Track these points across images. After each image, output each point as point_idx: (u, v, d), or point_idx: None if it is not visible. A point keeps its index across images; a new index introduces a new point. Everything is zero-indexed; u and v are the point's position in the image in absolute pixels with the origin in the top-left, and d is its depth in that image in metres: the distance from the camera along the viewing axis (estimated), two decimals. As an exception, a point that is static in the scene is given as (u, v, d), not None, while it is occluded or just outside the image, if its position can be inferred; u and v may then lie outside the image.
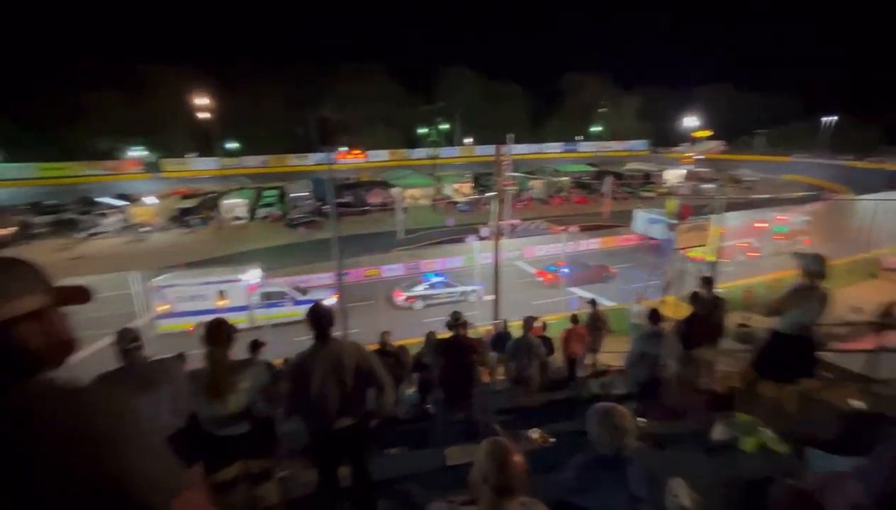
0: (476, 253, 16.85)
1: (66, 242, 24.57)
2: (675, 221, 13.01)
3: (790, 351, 3.88)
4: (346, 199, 31.69)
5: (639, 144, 59.64)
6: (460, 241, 23.20)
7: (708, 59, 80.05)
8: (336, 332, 2.84)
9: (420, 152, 51.68)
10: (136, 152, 44.70)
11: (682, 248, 13.54)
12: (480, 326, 12.20)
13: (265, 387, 2.66)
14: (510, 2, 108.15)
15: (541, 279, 19.30)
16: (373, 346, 6.52)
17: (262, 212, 30.76)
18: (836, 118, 47.98)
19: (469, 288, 17.39)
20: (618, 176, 38.11)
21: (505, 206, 18.86)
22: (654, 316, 4.91)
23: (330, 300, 15.95)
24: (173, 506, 0.94)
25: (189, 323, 14.67)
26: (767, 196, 28.51)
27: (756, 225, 20.39)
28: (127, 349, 2.65)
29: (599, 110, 54.98)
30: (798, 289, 3.69)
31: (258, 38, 74.96)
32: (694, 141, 47.02)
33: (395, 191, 31.70)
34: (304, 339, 2.87)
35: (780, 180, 41.04)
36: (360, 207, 31.70)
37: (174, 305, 15.00)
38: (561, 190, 37.10)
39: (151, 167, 44.15)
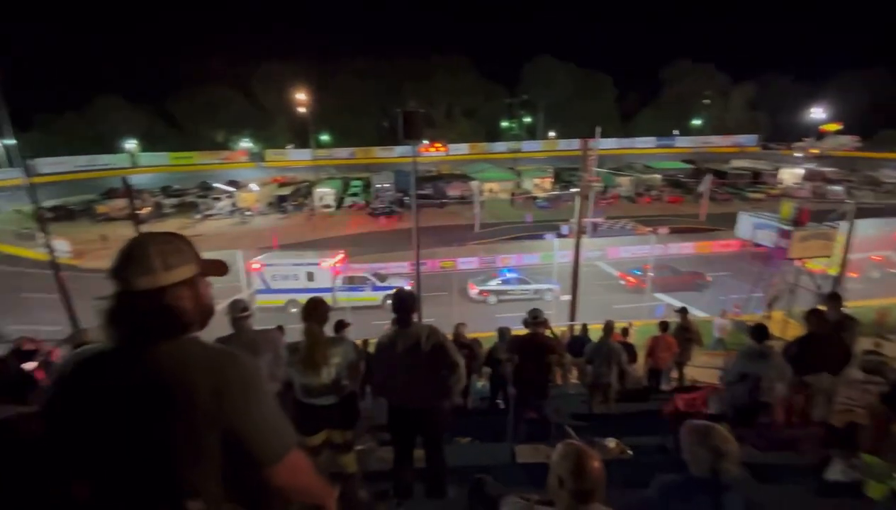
0: (555, 251, 16.31)
1: (188, 222, 28.29)
2: (789, 227, 11.43)
3: (942, 388, 3.22)
4: (426, 191, 32.45)
5: (748, 140, 53.08)
6: (539, 237, 22.65)
7: (845, 40, 68.18)
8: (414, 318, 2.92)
9: (501, 146, 51.20)
10: (245, 143, 50.11)
11: (796, 259, 11.87)
12: (555, 327, 11.85)
13: (352, 363, 2.84)
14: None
15: (623, 282, 18.19)
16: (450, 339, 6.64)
17: (348, 201, 32.67)
18: None
19: (544, 286, 16.96)
20: (720, 174, 34.38)
21: (588, 204, 17.97)
22: (760, 333, 4.35)
23: (407, 288, 16.53)
24: (284, 462, 1.04)
25: (282, 299, 16.17)
26: (915, 202, 23.87)
27: (899, 235, 17.23)
28: (237, 318, 2.98)
29: (703, 102, 49.53)
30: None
31: (351, 33, 79.36)
32: (820, 135, 40.66)
33: (473, 184, 31.77)
34: (380, 323, 3.00)
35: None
36: (439, 199, 32.28)
37: (270, 283, 16.55)
38: (651, 188, 34.45)
39: (256, 157, 49.18)
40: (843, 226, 12.06)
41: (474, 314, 14.83)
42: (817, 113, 40.10)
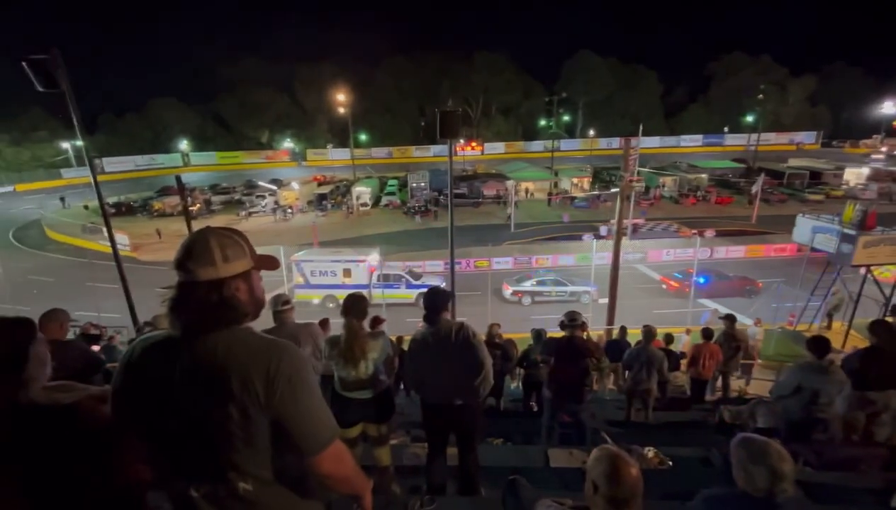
0: (592, 252, 15.88)
1: (234, 218, 29.67)
2: (853, 232, 10.59)
3: None
4: (462, 190, 32.50)
5: (807, 137, 49.59)
6: (577, 238, 22.14)
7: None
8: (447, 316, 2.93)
9: (537, 145, 50.45)
10: (287, 143, 52.05)
11: (861, 266, 10.99)
12: (592, 330, 11.55)
13: (388, 358, 2.88)
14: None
15: (665, 286, 17.47)
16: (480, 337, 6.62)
17: (385, 199, 33.23)
18: None
19: (581, 288, 16.54)
20: (775, 174, 32.31)
21: (629, 204, 17.37)
22: (820, 346, 4.05)
23: (441, 286, 16.60)
24: (328, 452, 1.08)
25: (320, 294, 16.66)
26: None
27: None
28: (278, 311, 3.09)
29: (757, 97, 46.49)
30: None
31: (390, 32, 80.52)
32: (889, 132, 37.39)
33: (509, 183, 31.49)
34: (413, 321, 3.03)
35: None
36: (475, 199, 32.24)
37: (309, 278, 17.09)
38: (697, 188, 32.87)
39: (297, 156, 50.98)
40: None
41: (508, 315, 14.69)
42: (889, 107, 36.89)
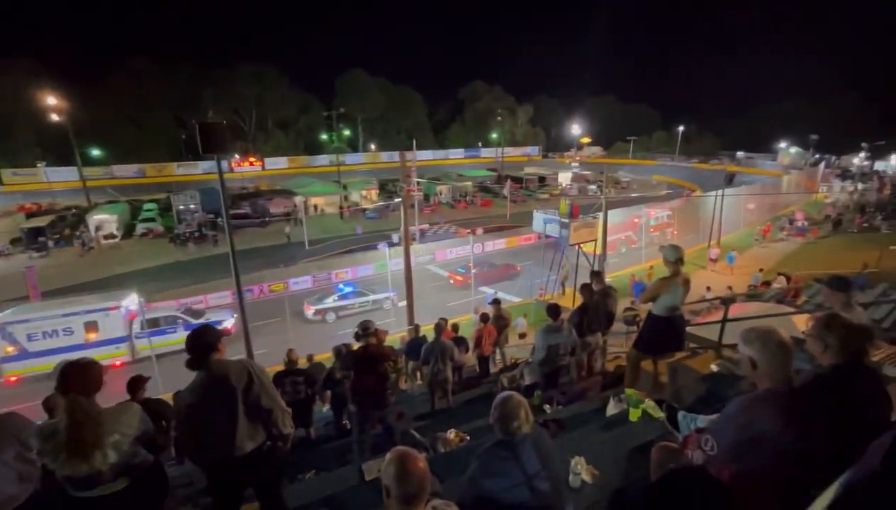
0: (388, 259, 16.70)
1: None
2: (567, 220, 14.27)
3: (663, 330, 4.46)
4: (244, 209, 29.48)
5: (533, 150, 64.20)
6: (373, 248, 22.84)
7: (589, 72, 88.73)
8: (229, 354, 2.59)
9: (323, 159, 49.81)
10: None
11: (575, 244, 14.90)
12: (395, 333, 12.13)
13: (144, 434, 2.28)
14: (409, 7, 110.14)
15: (452, 281, 19.77)
16: (278, 367, 6.12)
17: (141, 227, 27.15)
18: (683, 127, 56.50)
19: (382, 295, 17.14)
20: (516, 180, 40.69)
21: (413, 212, 18.98)
22: (554, 310, 5.31)
23: (229, 321, 14.60)
24: None
25: (48, 364, 12.38)
26: (639, 194, 32.77)
27: (634, 219, 23.21)
28: None
29: (497, 118, 58.00)
30: (665, 277, 4.27)
31: (133, 33, 66.31)
32: (579, 147, 52.34)
33: (298, 199, 30.16)
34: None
35: (651, 180, 47.31)
36: (260, 218, 29.62)
37: (25, 345, 12.54)
38: (466, 194, 38.52)
39: (-17, 179, 36.44)
40: (601, 215, 15.71)
41: (314, 336, 14.05)
42: (575, 129, 51.35)
